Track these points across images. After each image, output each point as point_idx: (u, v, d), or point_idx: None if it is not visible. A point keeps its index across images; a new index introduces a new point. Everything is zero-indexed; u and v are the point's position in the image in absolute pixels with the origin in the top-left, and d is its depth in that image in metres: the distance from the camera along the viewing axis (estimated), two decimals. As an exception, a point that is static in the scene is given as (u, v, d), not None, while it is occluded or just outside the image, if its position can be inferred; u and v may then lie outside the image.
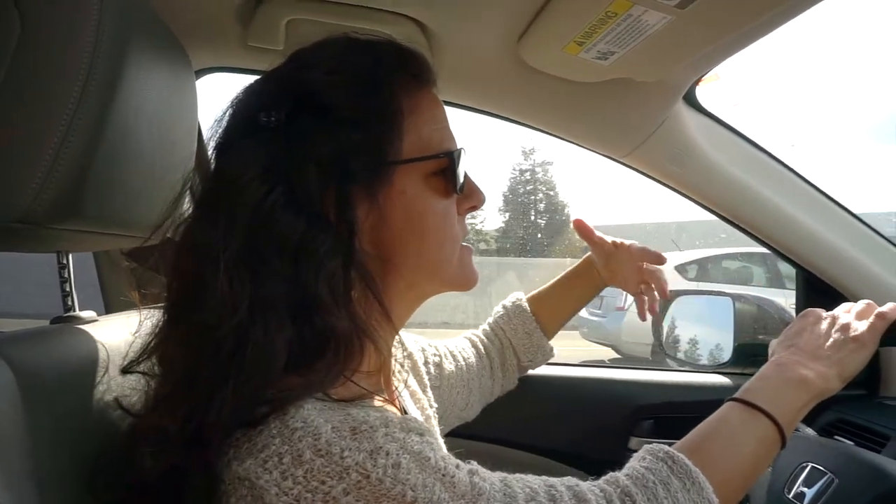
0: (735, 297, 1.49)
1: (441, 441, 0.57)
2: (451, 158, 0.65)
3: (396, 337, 0.71)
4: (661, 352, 1.55)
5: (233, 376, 0.50)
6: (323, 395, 0.53)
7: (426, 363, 0.98)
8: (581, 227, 1.14)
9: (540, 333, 1.12)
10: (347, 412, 0.52)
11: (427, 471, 0.50)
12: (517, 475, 0.57)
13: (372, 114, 0.60)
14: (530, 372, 1.17)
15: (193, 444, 0.50)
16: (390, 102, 0.62)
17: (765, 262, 6.33)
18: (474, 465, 0.55)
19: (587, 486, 0.58)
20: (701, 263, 6.23)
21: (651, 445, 0.64)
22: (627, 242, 1.12)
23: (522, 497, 0.54)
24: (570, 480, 0.59)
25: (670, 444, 0.65)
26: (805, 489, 0.92)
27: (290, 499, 0.47)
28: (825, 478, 0.91)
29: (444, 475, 0.51)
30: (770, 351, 0.82)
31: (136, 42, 0.62)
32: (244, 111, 0.62)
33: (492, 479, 0.55)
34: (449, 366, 1.01)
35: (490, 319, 1.15)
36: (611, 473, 0.61)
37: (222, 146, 0.62)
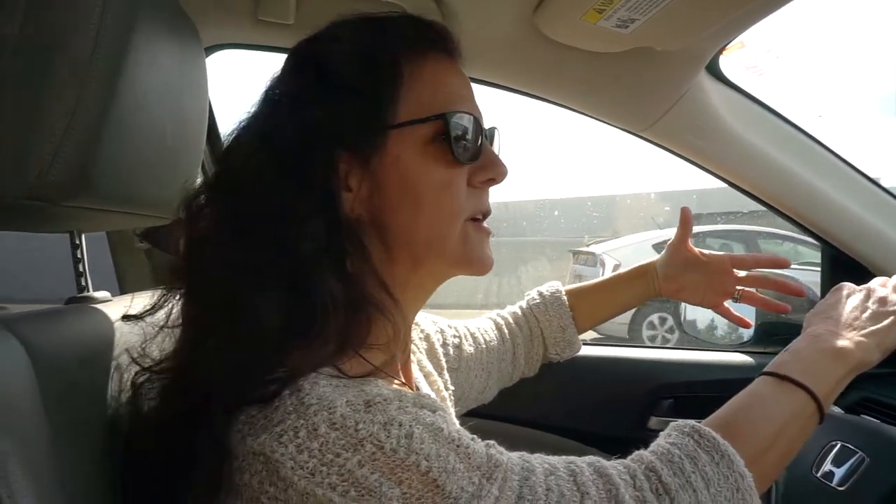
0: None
1: (456, 421, 0.57)
2: (444, 121, 0.61)
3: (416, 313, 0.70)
4: (681, 330, 1.53)
5: (230, 336, 0.52)
6: (337, 371, 0.53)
7: (445, 345, 0.97)
8: (686, 218, 1.08)
9: (574, 329, 1.09)
10: (361, 388, 0.52)
11: (440, 441, 0.50)
12: (537, 454, 0.57)
13: (368, 79, 0.60)
14: None
15: (201, 408, 0.51)
16: (389, 68, 0.61)
17: (745, 240, 6.27)
18: (492, 442, 0.55)
19: (610, 463, 0.57)
20: None
21: (678, 422, 0.63)
22: (718, 254, 1.07)
23: (541, 471, 0.54)
24: (593, 458, 0.58)
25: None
26: (834, 468, 0.90)
27: (306, 472, 0.47)
28: (855, 457, 0.89)
29: (458, 445, 0.51)
30: (805, 325, 0.80)
31: (144, 15, 0.61)
32: (263, 87, 0.64)
33: (509, 454, 0.55)
34: (469, 348, 1.00)
35: (523, 304, 1.11)
36: (636, 452, 0.60)
37: (243, 122, 0.63)
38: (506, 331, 1.07)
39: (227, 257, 0.54)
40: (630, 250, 6.37)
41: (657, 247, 6.09)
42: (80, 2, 0.54)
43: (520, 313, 1.10)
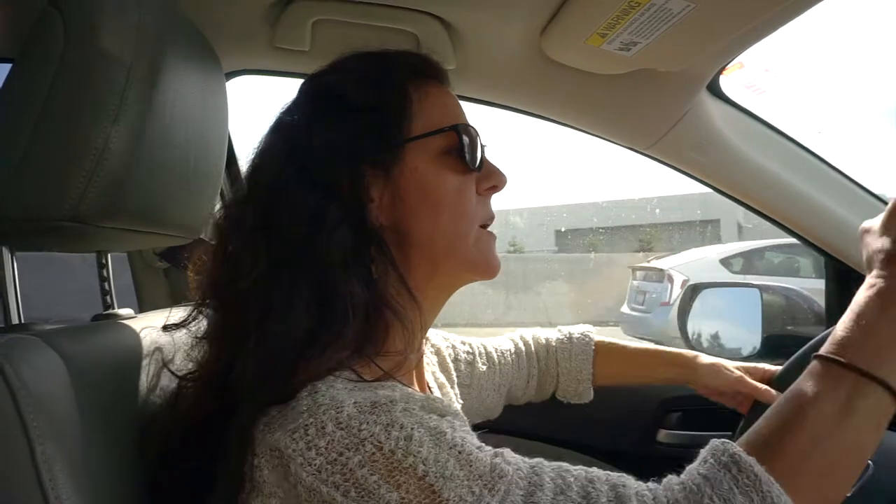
0: (762, 289, 1.48)
1: (468, 429, 0.56)
2: (456, 132, 0.68)
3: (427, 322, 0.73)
4: (688, 345, 1.54)
5: (263, 340, 0.55)
6: (355, 375, 0.55)
7: (456, 360, 0.98)
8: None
9: (589, 385, 1.06)
10: (374, 391, 0.53)
11: (441, 446, 0.50)
12: (557, 464, 0.54)
13: (381, 99, 0.66)
14: None
15: (232, 409, 0.54)
16: (398, 90, 0.67)
17: (811, 253, 6.11)
18: (505, 450, 0.54)
19: (634, 490, 0.52)
20: (746, 256, 6.05)
21: (717, 442, 0.54)
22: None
23: (550, 488, 0.51)
24: (619, 479, 0.53)
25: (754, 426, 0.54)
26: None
27: (313, 469, 0.48)
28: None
29: (460, 452, 0.50)
30: (864, 255, 0.61)
31: (171, 48, 0.64)
32: (275, 116, 0.69)
33: (519, 463, 0.53)
34: (482, 366, 1.01)
35: (551, 338, 1.09)
36: (668, 478, 0.54)
37: (256, 149, 0.67)
38: (524, 357, 1.07)
39: (261, 266, 0.58)
40: (697, 266, 6.11)
41: (724, 261, 5.90)
42: (115, 38, 0.58)
43: (543, 347, 1.09)
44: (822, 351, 0.56)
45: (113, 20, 0.58)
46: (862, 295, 0.57)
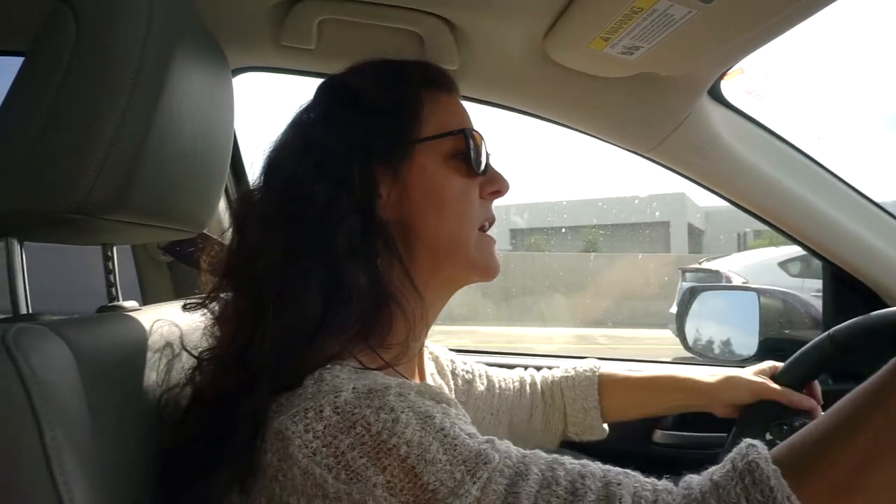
0: (760, 292, 1.49)
1: (466, 419, 0.57)
2: (464, 135, 0.71)
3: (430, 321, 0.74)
4: (685, 347, 1.55)
5: (277, 322, 0.57)
6: (360, 364, 0.58)
7: (454, 373, 0.99)
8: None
9: (597, 415, 1.00)
10: (374, 379, 0.55)
11: (427, 429, 0.51)
12: (553, 456, 0.53)
13: (394, 102, 0.69)
14: None
15: (246, 390, 0.55)
16: (411, 95, 0.70)
17: None
18: (498, 439, 0.54)
19: (633, 490, 0.49)
20: (804, 259, 5.82)
21: (744, 444, 0.49)
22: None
23: (536, 479, 0.50)
24: (617, 476, 0.51)
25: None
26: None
27: (309, 451, 0.50)
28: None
29: (445, 436, 0.50)
30: None
31: (180, 44, 0.65)
32: (293, 113, 0.73)
33: (509, 452, 0.52)
34: (480, 387, 1.00)
35: (557, 373, 1.06)
36: (687, 477, 0.50)
37: (272, 145, 0.70)
38: (528, 389, 1.04)
39: (275, 253, 0.61)
40: (754, 268, 6.05)
41: (782, 265, 5.80)
42: (127, 32, 0.59)
43: (548, 382, 1.06)
44: None
45: (124, 17, 0.59)
46: None
